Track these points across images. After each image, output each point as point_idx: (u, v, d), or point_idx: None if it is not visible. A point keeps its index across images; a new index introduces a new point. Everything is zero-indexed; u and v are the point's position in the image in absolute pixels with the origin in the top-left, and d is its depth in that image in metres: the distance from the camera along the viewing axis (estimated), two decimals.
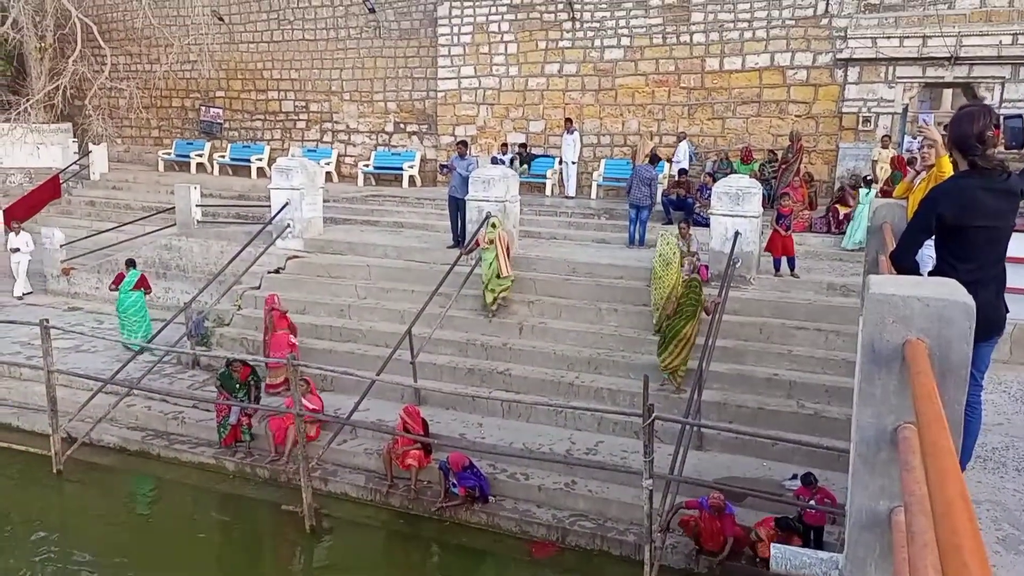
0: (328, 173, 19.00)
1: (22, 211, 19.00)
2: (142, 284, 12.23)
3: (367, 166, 19.71)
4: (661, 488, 7.46)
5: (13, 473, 9.72)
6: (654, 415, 7.01)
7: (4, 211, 18.50)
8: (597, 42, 17.08)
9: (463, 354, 10.84)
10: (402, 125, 19.81)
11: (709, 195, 12.23)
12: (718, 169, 15.27)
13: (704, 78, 16.34)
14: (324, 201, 14.77)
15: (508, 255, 11.44)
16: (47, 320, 9.74)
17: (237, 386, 9.54)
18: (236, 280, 12.44)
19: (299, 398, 8.45)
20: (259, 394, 9.89)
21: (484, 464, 8.60)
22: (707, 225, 11.84)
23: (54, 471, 9.46)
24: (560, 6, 17.21)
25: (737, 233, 10.82)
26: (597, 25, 17.03)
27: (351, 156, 20.46)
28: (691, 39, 16.33)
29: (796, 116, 15.59)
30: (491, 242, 11.18)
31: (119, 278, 12.44)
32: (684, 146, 15.85)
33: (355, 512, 8.73)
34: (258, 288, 12.75)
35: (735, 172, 14.02)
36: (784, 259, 11.25)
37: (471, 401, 9.78)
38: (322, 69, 20.38)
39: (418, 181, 19.27)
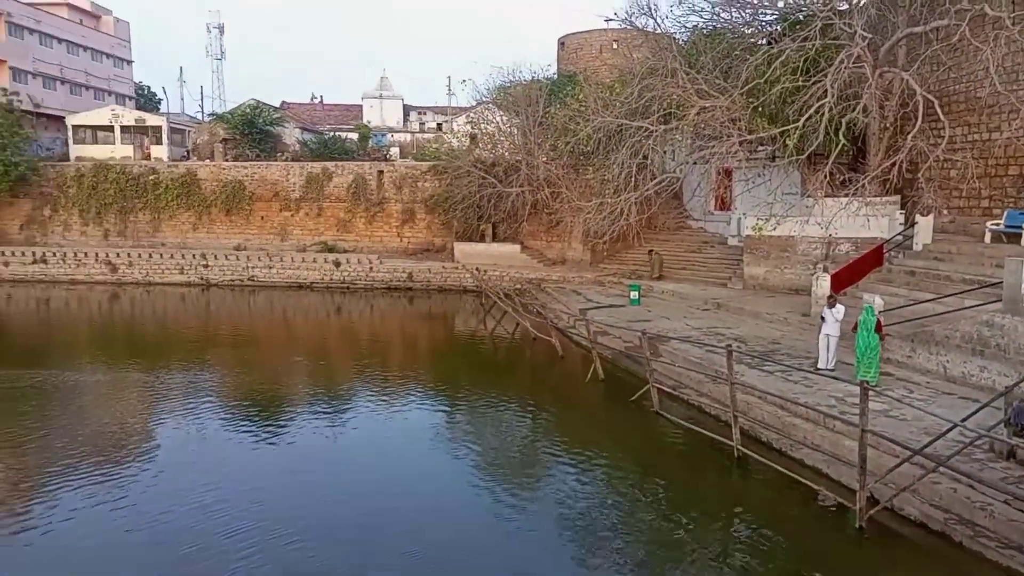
0: None
1: (846, 277, 20.91)
2: (879, 328, 14.05)
3: None
4: None
5: (815, 517, 10.70)
6: None
7: (831, 276, 20.69)
8: None
9: None
10: None
11: None
12: None
13: None
14: None
15: None
16: (866, 382, 10.39)
17: None
18: None
19: None
20: None
21: None
22: None
23: (856, 526, 9.99)
24: None
25: None
26: None
27: None
28: None
29: None
30: None
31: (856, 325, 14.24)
32: None
33: None
34: None
35: None
36: None
37: None
38: None
39: None
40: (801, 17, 25.01)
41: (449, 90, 74.56)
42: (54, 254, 36.84)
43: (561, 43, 51.48)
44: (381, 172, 40.09)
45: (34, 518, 10.65)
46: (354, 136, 53.25)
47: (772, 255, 25.85)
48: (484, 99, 43.69)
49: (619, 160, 27.08)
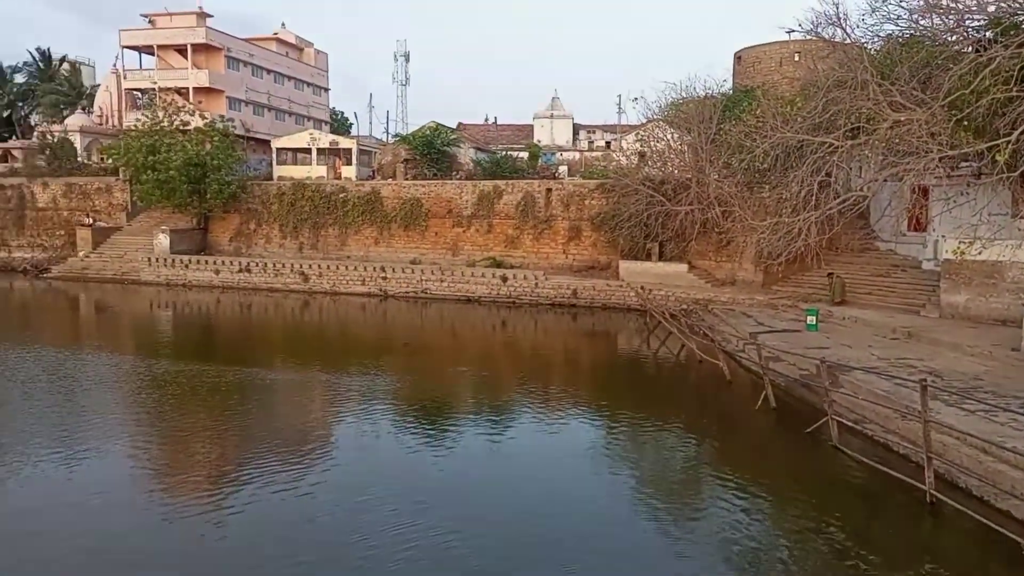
0: None
1: None
2: None
3: None
4: None
5: None
6: None
7: None
8: None
9: None
10: None
11: None
12: None
13: None
14: None
15: None
16: None
17: None
18: None
19: None
20: None
21: None
22: None
23: None
24: None
25: None
26: None
27: None
28: None
29: None
30: None
31: None
32: None
33: None
34: None
35: None
36: None
37: None
38: None
39: None
40: (1017, 21, 22.47)
41: (619, 108, 74.83)
42: (257, 264, 40.76)
43: (737, 57, 49.83)
44: (549, 190, 40.69)
45: (224, 501, 11.75)
46: (524, 155, 54.57)
47: (975, 281, 23.30)
48: (654, 116, 43.18)
49: (799, 177, 25.63)
